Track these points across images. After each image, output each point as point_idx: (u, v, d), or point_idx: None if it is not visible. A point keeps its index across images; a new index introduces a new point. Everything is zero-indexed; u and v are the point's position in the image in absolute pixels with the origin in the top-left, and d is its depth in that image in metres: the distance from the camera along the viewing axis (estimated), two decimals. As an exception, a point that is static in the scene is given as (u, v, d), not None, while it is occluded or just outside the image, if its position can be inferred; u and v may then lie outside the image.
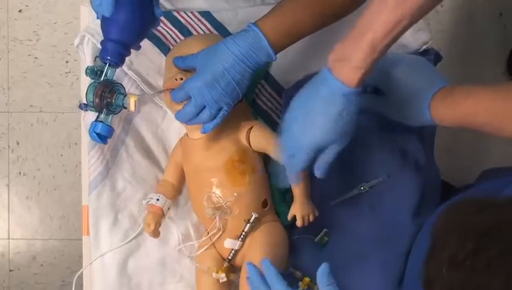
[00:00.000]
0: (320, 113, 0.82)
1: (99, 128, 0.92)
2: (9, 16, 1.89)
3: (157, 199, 1.03)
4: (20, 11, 1.89)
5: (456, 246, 0.54)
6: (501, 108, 0.82)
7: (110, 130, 0.93)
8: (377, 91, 0.95)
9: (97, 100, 0.90)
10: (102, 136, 0.93)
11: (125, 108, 0.92)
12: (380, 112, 0.95)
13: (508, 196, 0.56)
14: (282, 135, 0.87)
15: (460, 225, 0.55)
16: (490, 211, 0.54)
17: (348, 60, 0.79)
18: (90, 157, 1.08)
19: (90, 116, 1.02)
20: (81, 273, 1.09)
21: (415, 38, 1.10)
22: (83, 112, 1.10)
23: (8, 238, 1.88)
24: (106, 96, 0.91)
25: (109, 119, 0.93)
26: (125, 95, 0.92)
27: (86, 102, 0.92)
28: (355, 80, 0.80)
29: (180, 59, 0.96)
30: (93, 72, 0.91)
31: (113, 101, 0.91)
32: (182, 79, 0.98)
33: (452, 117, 0.87)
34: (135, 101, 0.91)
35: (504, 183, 0.89)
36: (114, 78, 0.94)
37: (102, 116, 0.92)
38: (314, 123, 0.83)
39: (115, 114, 0.94)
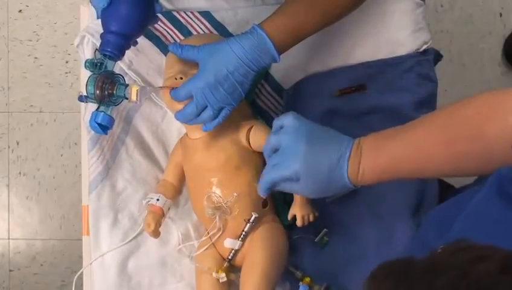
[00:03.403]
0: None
1: (100, 118, 0.91)
2: (9, 16, 1.89)
3: (157, 199, 1.03)
4: (20, 11, 1.89)
5: None
6: (419, 154, 0.78)
7: (111, 120, 0.92)
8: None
9: (98, 92, 0.89)
10: (103, 127, 0.92)
11: (127, 99, 0.91)
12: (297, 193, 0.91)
13: (426, 256, 0.54)
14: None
15: None
16: (407, 281, 0.52)
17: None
18: (90, 157, 1.08)
19: (91, 113, 1.02)
20: (81, 273, 1.09)
21: (415, 38, 1.10)
22: (83, 112, 1.10)
23: (8, 238, 1.88)
24: (107, 88, 0.90)
25: (109, 110, 0.92)
26: (126, 86, 0.91)
27: (86, 94, 0.91)
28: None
29: (179, 47, 0.93)
30: (93, 65, 0.90)
31: (115, 92, 0.90)
32: (182, 78, 0.98)
33: (371, 179, 0.81)
34: (137, 90, 0.90)
35: (470, 194, 0.89)
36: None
37: (102, 107, 0.91)
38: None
39: (116, 105, 0.93)
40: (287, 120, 0.85)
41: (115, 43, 0.89)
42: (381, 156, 0.80)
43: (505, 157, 0.71)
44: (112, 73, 0.92)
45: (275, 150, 0.85)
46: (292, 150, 0.82)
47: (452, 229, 0.81)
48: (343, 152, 0.81)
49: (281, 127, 0.85)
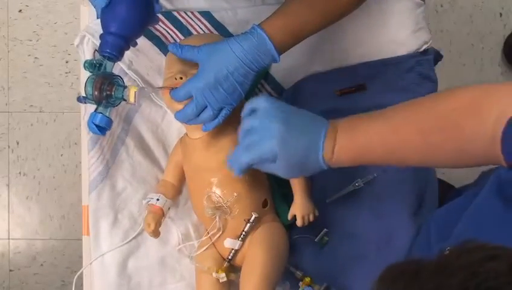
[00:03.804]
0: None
1: (98, 119, 0.91)
2: (9, 16, 1.89)
3: (157, 199, 1.03)
4: (20, 11, 1.89)
5: None
6: (395, 139, 0.79)
7: (109, 122, 0.92)
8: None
9: (96, 93, 0.89)
10: (101, 128, 0.91)
11: (125, 100, 0.91)
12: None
13: (436, 256, 0.54)
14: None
15: None
16: (417, 282, 0.52)
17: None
18: (90, 157, 1.08)
19: (89, 116, 1.02)
20: (81, 273, 1.09)
21: (415, 38, 1.10)
22: (82, 112, 1.10)
23: (8, 238, 1.88)
24: (105, 89, 0.90)
25: (108, 111, 0.92)
26: (124, 87, 0.91)
27: (85, 95, 0.91)
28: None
29: (179, 47, 0.93)
30: (92, 66, 0.90)
31: (113, 93, 0.90)
32: (181, 78, 0.98)
33: (346, 160, 0.82)
34: (135, 92, 0.90)
35: (471, 196, 0.89)
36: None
37: (101, 107, 0.91)
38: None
39: (114, 106, 0.93)
40: (260, 102, 0.85)
41: (114, 44, 0.89)
42: (356, 137, 0.80)
43: (481, 153, 0.72)
44: (111, 74, 0.92)
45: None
46: (268, 130, 0.82)
47: (454, 232, 0.81)
48: (318, 133, 0.81)
49: (253, 111, 0.85)
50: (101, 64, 0.91)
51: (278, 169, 0.84)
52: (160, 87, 1.00)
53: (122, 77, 0.94)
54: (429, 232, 0.93)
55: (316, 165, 0.82)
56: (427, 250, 0.91)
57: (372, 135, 0.79)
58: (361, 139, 0.80)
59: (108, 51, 0.89)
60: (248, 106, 0.86)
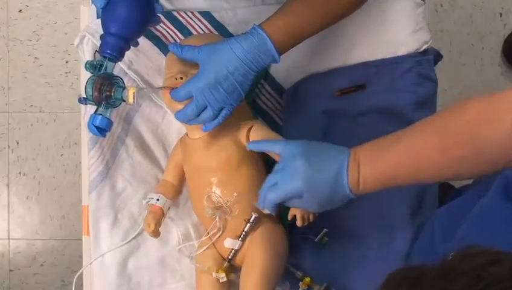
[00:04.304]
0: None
1: (98, 121, 0.91)
2: (9, 16, 1.89)
3: (157, 199, 1.03)
4: (20, 11, 1.89)
5: None
6: (417, 161, 0.79)
7: (109, 123, 0.92)
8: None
9: (96, 93, 0.89)
10: (101, 129, 0.92)
11: (124, 101, 0.91)
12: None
13: (438, 262, 0.54)
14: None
15: None
16: (420, 288, 0.53)
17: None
18: (90, 157, 1.08)
19: (89, 117, 1.02)
20: (81, 273, 1.09)
21: (415, 38, 1.10)
22: (83, 112, 1.10)
23: (8, 238, 1.88)
24: (105, 90, 0.90)
25: (108, 113, 0.92)
26: (124, 88, 0.91)
27: (85, 96, 0.91)
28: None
29: (179, 47, 0.93)
30: (93, 67, 0.90)
31: (112, 94, 0.90)
32: (182, 78, 0.98)
33: (371, 188, 0.83)
34: (134, 93, 0.90)
35: (474, 197, 0.89)
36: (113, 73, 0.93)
37: (101, 109, 0.91)
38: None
39: (114, 107, 0.93)
40: (278, 147, 0.88)
41: (115, 44, 0.89)
42: (379, 165, 0.81)
43: (497, 159, 0.73)
44: (111, 75, 0.92)
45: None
46: (290, 168, 0.85)
47: (458, 234, 0.81)
48: (341, 164, 0.82)
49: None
50: (101, 65, 0.91)
51: (306, 205, 0.87)
52: (160, 87, 1.00)
53: (122, 77, 0.94)
54: (433, 232, 0.93)
55: (343, 195, 0.84)
56: (431, 251, 0.91)
57: (394, 163, 0.80)
58: (384, 168, 0.81)
59: (108, 51, 0.89)
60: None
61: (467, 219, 0.84)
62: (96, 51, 0.92)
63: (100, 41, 0.91)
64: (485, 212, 0.81)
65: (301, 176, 0.83)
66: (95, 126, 0.91)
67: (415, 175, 0.81)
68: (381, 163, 0.81)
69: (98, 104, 0.91)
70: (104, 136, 0.94)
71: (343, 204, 0.86)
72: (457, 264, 0.51)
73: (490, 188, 0.84)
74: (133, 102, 0.91)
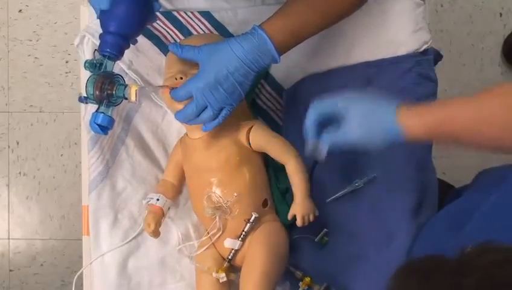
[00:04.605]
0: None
1: (100, 119, 0.91)
2: (9, 16, 1.89)
3: (157, 199, 1.03)
4: (20, 11, 1.89)
5: None
6: (477, 114, 0.78)
7: (111, 121, 0.92)
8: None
9: (97, 92, 0.89)
10: (103, 127, 0.92)
11: (126, 99, 0.91)
12: (343, 143, 0.88)
13: (455, 256, 0.54)
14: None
15: None
16: (435, 278, 0.53)
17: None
18: (90, 157, 1.08)
19: (91, 114, 1.02)
20: (81, 273, 1.09)
21: (415, 38, 1.10)
22: (83, 112, 1.10)
23: (8, 238, 1.88)
24: (106, 88, 0.90)
25: (109, 111, 0.92)
26: (125, 86, 0.91)
27: (86, 95, 0.91)
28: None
29: (179, 47, 0.93)
30: (92, 66, 0.90)
31: (114, 92, 0.90)
32: (182, 78, 0.98)
33: (426, 125, 0.80)
34: (136, 90, 0.90)
35: (482, 196, 0.89)
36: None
37: (102, 107, 0.91)
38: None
39: (116, 106, 0.93)
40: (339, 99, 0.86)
41: (114, 43, 0.89)
42: (432, 110, 0.80)
43: None
44: (112, 73, 0.92)
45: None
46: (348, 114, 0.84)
47: (467, 228, 0.81)
48: (390, 105, 0.82)
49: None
50: (101, 64, 0.91)
51: (352, 135, 0.85)
52: (161, 86, 1.00)
53: (122, 76, 0.94)
54: (436, 231, 0.93)
55: (390, 132, 0.82)
56: (435, 249, 0.91)
57: (450, 110, 0.79)
58: (438, 112, 0.80)
59: (108, 50, 0.89)
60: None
61: (476, 216, 0.83)
62: (95, 49, 0.92)
63: (99, 39, 0.91)
64: (495, 209, 0.81)
65: (354, 124, 0.83)
66: (97, 124, 0.91)
67: (471, 130, 0.78)
68: (434, 109, 0.80)
69: (99, 102, 0.91)
70: (106, 134, 0.94)
71: (386, 143, 0.84)
72: (474, 259, 0.51)
73: (499, 187, 0.85)
74: (136, 100, 0.91)
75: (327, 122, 0.87)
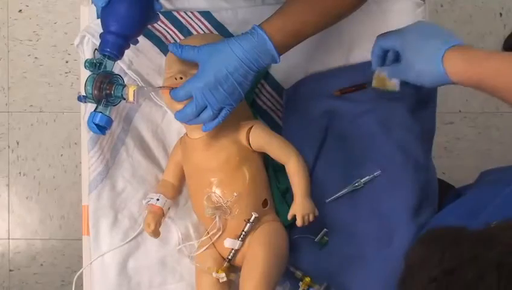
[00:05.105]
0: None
1: (98, 118, 0.90)
2: (9, 16, 1.89)
3: (157, 199, 1.03)
4: (20, 11, 1.89)
5: (422, 285, 0.54)
6: None
7: (109, 121, 0.91)
8: (396, 59, 0.96)
9: (96, 92, 0.89)
10: (101, 127, 0.91)
11: (124, 99, 0.91)
12: (399, 77, 0.96)
13: (480, 229, 0.55)
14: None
15: (428, 261, 0.55)
16: (459, 248, 0.53)
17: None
18: (90, 157, 1.08)
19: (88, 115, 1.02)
20: (81, 273, 1.09)
21: (415, 38, 1.10)
22: (83, 112, 1.10)
23: (8, 238, 1.88)
24: (105, 88, 0.89)
25: (108, 111, 0.91)
26: (124, 86, 0.91)
27: (85, 94, 0.91)
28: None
29: (179, 47, 0.93)
30: (92, 65, 0.90)
31: (112, 92, 0.90)
32: (181, 78, 0.98)
33: (470, 73, 0.84)
34: (134, 91, 0.90)
35: (494, 189, 0.89)
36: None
37: (100, 107, 0.91)
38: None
39: (114, 105, 0.93)
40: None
41: (114, 43, 0.89)
42: (482, 61, 0.82)
43: None
44: (111, 73, 0.91)
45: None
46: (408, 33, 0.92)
47: (482, 217, 0.81)
48: (442, 49, 0.85)
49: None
50: (101, 64, 0.90)
51: (406, 72, 0.90)
52: (160, 87, 1.00)
53: (122, 76, 0.94)
54: (447, 223, 0.93)
55: (436, 74, 0.86)
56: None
57: (495, 64, 0.81)
58: (484, 64, 0.82)
59: (108, 50, 0.89)
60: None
61: (491, 206, 0.84)
62: (95, 49, 0.92)
63: (99, 38, 0.91)
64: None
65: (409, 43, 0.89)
66: (94, 124, 0.90)
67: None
68: (484, 62, 0.82)
69: (97, 102, 0.91)
70: (104, 134, 0.93)
71: (435, 83, 0.88)
72: (497, 233, 0.52)
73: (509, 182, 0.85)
74: (134, 100, 0.90)
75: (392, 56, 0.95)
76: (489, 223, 0.54)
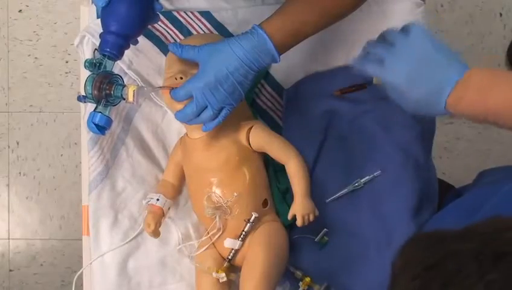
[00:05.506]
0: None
1: (98, 118, 0.90)
2: (9, 16, 1.89)
3: (157, 199, 1.03)
4: (20, 11, 1.89)
5: (406, 284, 0.55)
6: None
7: (109, 121, 0.91)
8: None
9: (96, 92, 0.89)
10: (100, 127, 0.91)
11: (124, 99, 0.91)
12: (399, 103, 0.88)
13: (461, 227, 0.55)
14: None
15: (410, 262, 0.55)
16: (439, 246, 0.54)
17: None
18: (90, 157, 1.08)
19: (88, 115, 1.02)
20: (81, 273, 1.09)
21: (415, 38, 1.10)
22: (82, 112, 1.10)
23: (8, 238, 1.88)
24: (105, 88, 0.89)
25: (107, 111, 0.91)
26: (123, 86, 0.90)
27: (84, 94, 0.91)
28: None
29: (179, 47, 0.93)
30: (92, 65, 0.90)
31: (112, 92, 0.90)
32: (182, 78, 0.98)
33: (469, 113, 0.80)
34: (134, 91, 0.90)
35: (491, 189, 0.89)
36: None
37: (100, 107, 0.91)
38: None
39: (114, 106, 0.93)
40: (416, 26, 0.83)
41: (114, 43, 0.89)
42: (488, 98, 0.77)
43: None
44: (111, 73, 0.91)
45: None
46: (404, 49, 0.82)
47: (477, 217, 0.81)
48: (450, 78, 0.79)
49: (405, 29, 0.84)
50: (101, 64, 0.90)
51: (401, 98, 0.83)
52: (160, 87, 1.00)
53: (122, 76, 0.94)
54: (444, 225, 0.93)
55: (437, 106, 0.80)
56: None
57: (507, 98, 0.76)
58: (494, 101, 0.77)
59: (108, 50, 0.89)
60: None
61: (486, 207, 0.84)
62: (95, 49, 0.92)
63: (99, 38, 0.91)
64: (508, 198, 0.82)
65: (407, 65, 0.81)
66: (94, 124, 0.90)
67: None
68: (490, 96, 0.77)
69: (97, 102, 0.91)
70: (104, 134, 0.93)
71: (435, 115, 0.84)
72: (476, 228, 0.52)
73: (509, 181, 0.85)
74: (133, 100, 0.90)
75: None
76: (472, 222, 0.55)
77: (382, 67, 0.83)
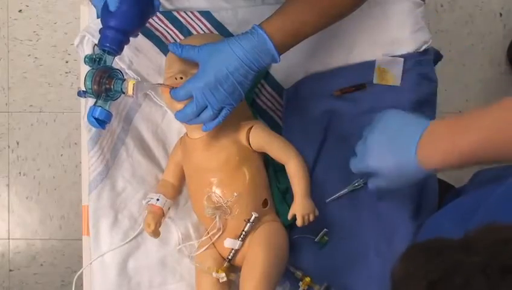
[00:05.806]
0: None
1: (98, 112, 0.90)
2: (9, 16, 1.89)
3: (157, 199, 1.03)
4: (20, 11, 1.89)
5: None
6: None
7: (109, 115, 0.91)
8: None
9: (95, 86, 0.89)
10: (100, 121, 0.91)
11: (124, 93, 0.91)
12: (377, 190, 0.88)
13: (459, 236, 0.55)
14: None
15: (413, 275, 0.54)
16: (440, 257, 0.53)
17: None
18: (90, 157, 1.08)
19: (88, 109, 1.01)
20: (81, 273, 1.09)
21: (414, 38, 1.10)
22: (82, 112, 1.10)
23: (8, 238, 1.88)
24: (105, 83, 0.90)
25: (107, 105, 0.91)
26: (123, 80, 0.91)
27: (84, 89, 0.91)
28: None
29: (179, 47, 0.93)
30: (92, 60, 0.90)
31: (112, 86, 0.90)
32: (182, 78, 0.98)
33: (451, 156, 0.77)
34: (133, 84, 0.90)
35: (486, 191, 0.89)
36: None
37: (100, 101, 0.91)
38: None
39: (114, 100, 0.93)
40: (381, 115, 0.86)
41: (114, 38, 0.89)
42: (457, 146, 0.76)
43: None
44: (111, 68, 0.91)
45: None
46: (367, 143, 0.84)
47: (473, 221, 0.81)
48: (412, 139, 0.79)
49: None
50: (100, 59, 0.90)
51: (381, 183, 0.84)
52: (160, 84, 1.00)
53: (121, 71, 0.94)
54: (440, 228, 0.93)
55: (414, 172, 0.79)
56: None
57: (475, 142, 0.75)
58: (464, 148, 0.76)
59: (108, 45, 0.89)
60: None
61: (481, 210, 0.84)
62: (95, 44, 0.92)
63: (99, 33, 0.91)
64: (503, 200, 0.82)
65: (373, 155, 0.82)
66: (94, 118, 0.90)
67: (498, 154, 0.74)
68: (459, 143, 0.76)
69: (97, 96, 0.91)
70: (104, 128, 0.93)
71: (419, 179, 0.81)
72: (479, 239, 0.52)
73: (503, 182, 0.85)
74: (133, 94, 0.90)
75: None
76: (469, 231, 0.55)
77: (360, 159, 0.85)
